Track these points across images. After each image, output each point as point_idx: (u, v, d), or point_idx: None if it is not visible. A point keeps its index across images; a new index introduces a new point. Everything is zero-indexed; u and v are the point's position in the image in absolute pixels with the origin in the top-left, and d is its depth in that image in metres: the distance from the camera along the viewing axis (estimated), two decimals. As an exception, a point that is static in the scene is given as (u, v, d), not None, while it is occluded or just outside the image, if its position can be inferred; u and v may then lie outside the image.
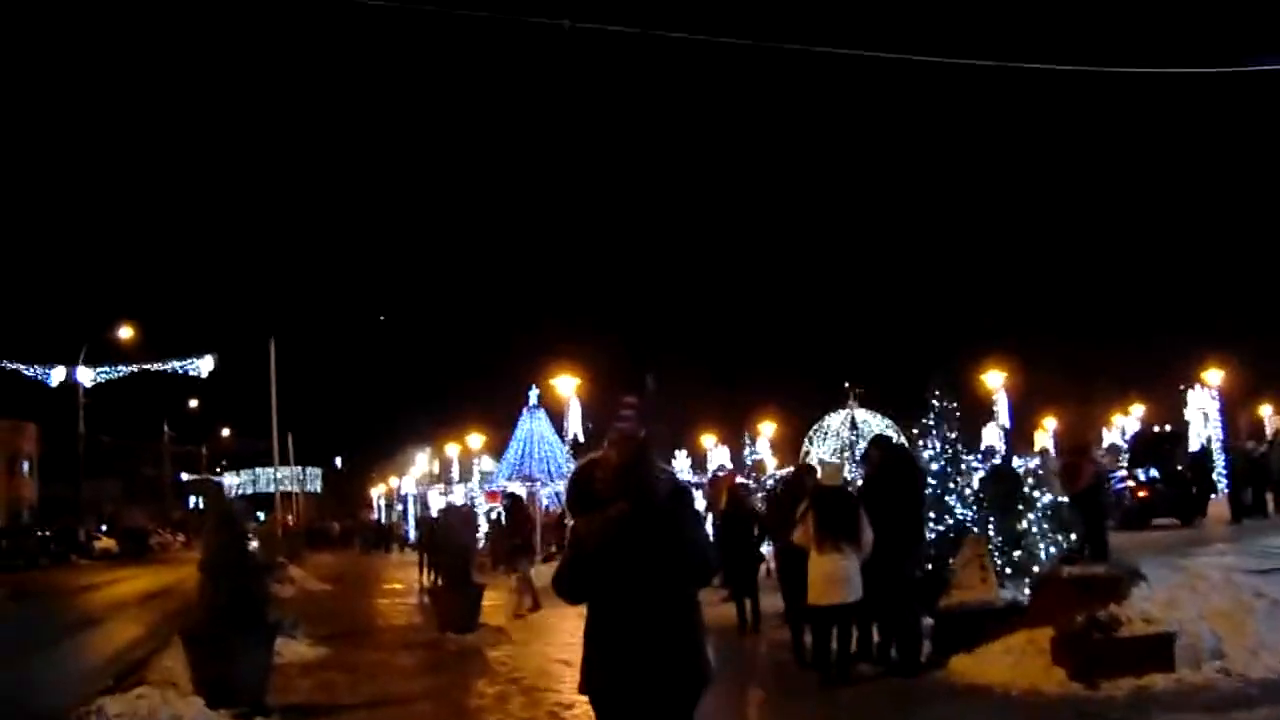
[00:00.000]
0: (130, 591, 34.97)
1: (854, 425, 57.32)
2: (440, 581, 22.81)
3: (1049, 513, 17.95)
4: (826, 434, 57.60)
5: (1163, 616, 12.18)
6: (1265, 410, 56.47)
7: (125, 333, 65.89)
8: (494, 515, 47.49)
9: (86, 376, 62.56)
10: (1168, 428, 49.12)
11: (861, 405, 57.44)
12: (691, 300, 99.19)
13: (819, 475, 14.09)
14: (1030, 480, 17.77)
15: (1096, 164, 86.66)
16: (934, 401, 18.69)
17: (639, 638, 5.90)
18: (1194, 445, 43.78)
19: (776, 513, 16.02)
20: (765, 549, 19.47)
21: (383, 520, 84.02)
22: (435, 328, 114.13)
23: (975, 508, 17.86)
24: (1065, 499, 19.11)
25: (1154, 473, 35.04)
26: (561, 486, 55.75)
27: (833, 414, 57.93)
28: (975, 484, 16.88)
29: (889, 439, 15.72)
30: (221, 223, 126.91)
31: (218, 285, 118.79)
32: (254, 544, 23.99)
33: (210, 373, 66.38)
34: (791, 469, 44.68)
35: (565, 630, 19.90)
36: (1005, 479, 17.79)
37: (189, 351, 63.98)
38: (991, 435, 57.33)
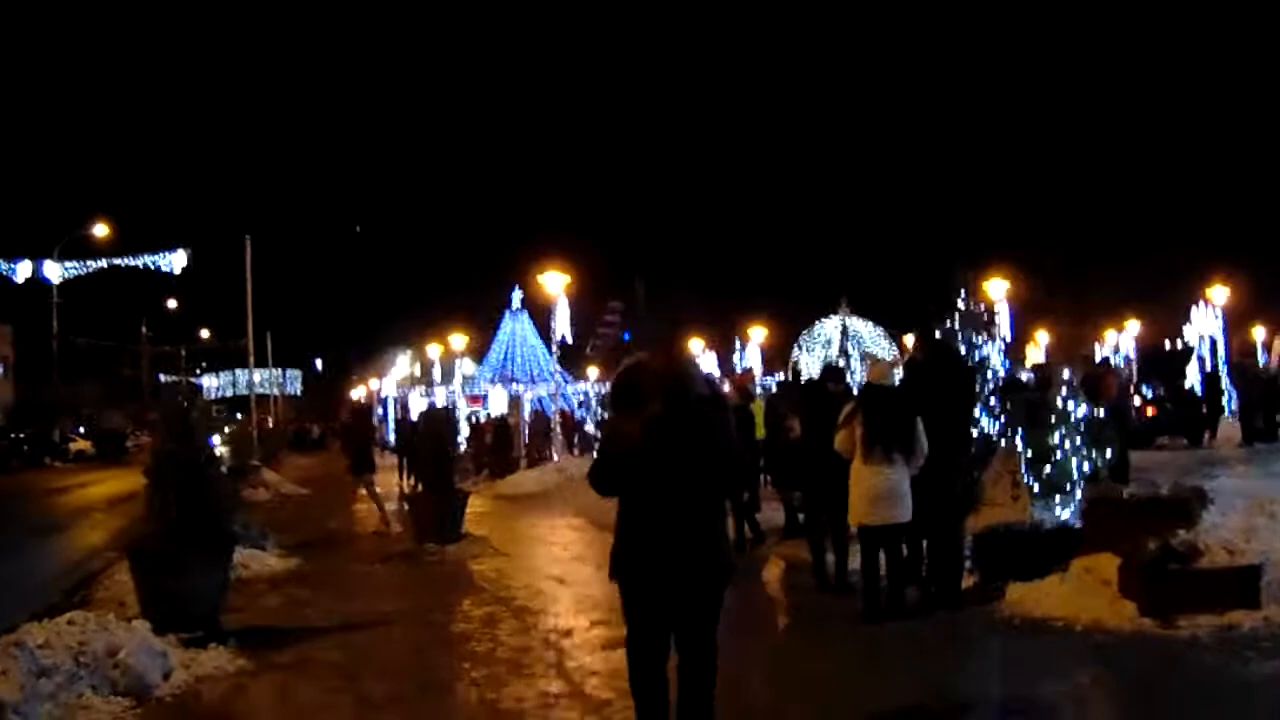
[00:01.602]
0: (100, 494, 33.40)
1: (845, 332, 56.22)
2: (420, 487, 21.33)
3: (1082, 427, 16.60)
4: (816, 340, 56.47)
5: (1245, 546, 10.71)
6: (1258, 332, 55.11)
7: (100, 230, 64.01)
8: (473, 419, 46.29)
9: (55, 272, 60.64)
10: (1178, 344, 47.74)
11: (853, 312, 56.29)
12: (680, 203, 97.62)
13: (870, 374, 12.37)
14: (1064, 391, 16.30)
15: (1100, 73, 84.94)
16: (959, 301, 17.22)
17: (668, 530, 6.31)
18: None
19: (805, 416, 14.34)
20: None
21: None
22: (418, 227, 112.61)
23: (1001, 419, 16.50)
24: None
25: (1160, 390, 33.69)
26: (545, 390, 54.74)
27: (823, 320, 56.75)
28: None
29: (933, 331, 13.99)
30: (198, 117, 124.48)
31: (194, 182, 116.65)
32: (221, 447, 22.77)
33: (185, 270, 64.63)
34: (786, 374, 43.85)
35: (555, 543, 18.51)
36: (1030, 389, 16.41)
37: (164, 249, 62.16)
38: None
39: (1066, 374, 18.68)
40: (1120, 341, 61.54)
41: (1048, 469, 14.96)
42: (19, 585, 15.34)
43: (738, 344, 55.19)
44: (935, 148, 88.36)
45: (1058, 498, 14.99)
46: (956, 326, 17.58)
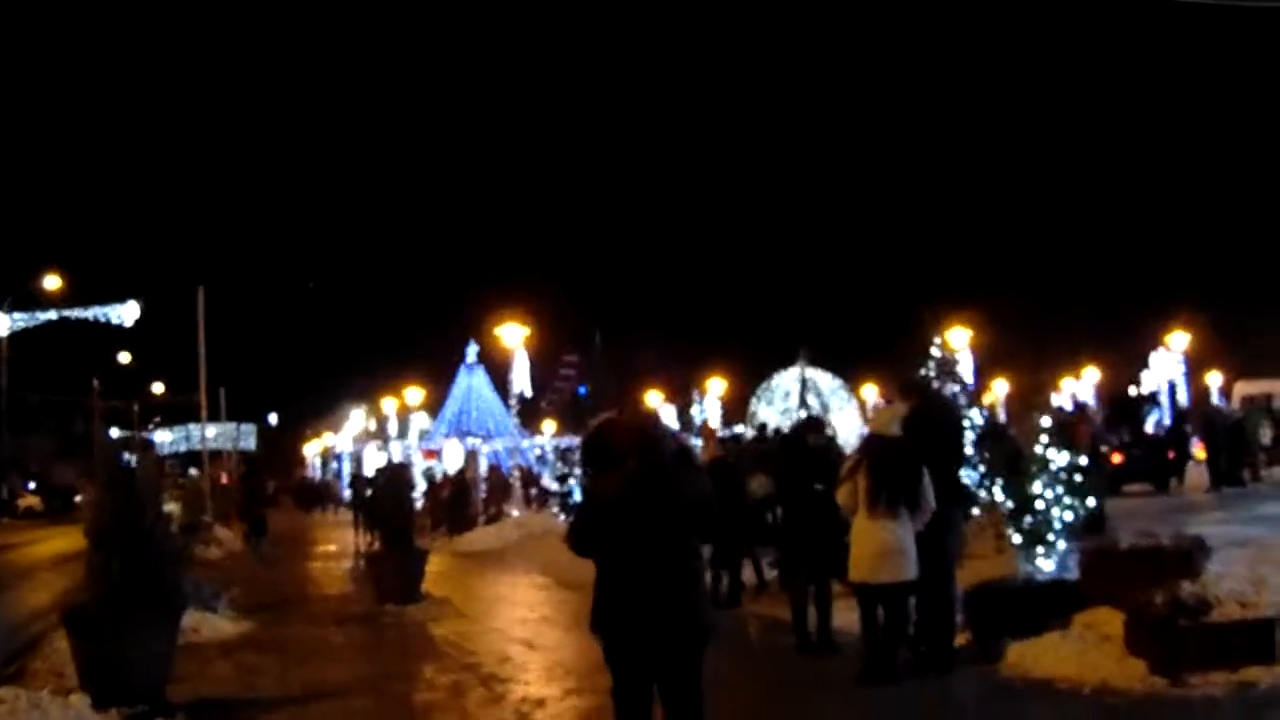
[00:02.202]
0: (47, 553, 32.30)
1: (805, 384, 55.76)
2: (378, 546, 20.58)
3: (1064, 475, 16.08)
4: (775, 393, 56.02)
5: (1256, 598, 10.12)
6: (1213, 377, 55.00)
7: (51, 282, 62.86)
8: (429, 474, 45.58)
9: (2, 324, 59.43)
10: (1141, 390, 47.49)
11: (811, 364, 55.87)
12: (636, 254, 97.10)
13: (872, 423, 11.64)
14: (1043, 439, 15.76)
15: (1056, 119, 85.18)
16: (933, 351, 16.76)
17: (647, 586, 6.33)
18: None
19: (781, 470, 13.69)
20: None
21: (318, 479, 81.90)
22: (372, 279, 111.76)
23: (979, 469, 16.00)
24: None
25: (1126, 436, 33.32)
26: (501, 445, 54.03)
27: (781, 372, 56.32)
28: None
29: (925, 381, 13.39)
30: (151, 168, 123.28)
31: (146, 235, 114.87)
32: (172, 504, 21.95)
33: (138, 322, 63.49)
34: (746, 428, 43.32)
35: (520, 603, 17.79)
36: (1009, 437, 15.92)
37: (115, 301, 61.02)
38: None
39: (1045, 421, 18.17)
40: (1077, 390, 61.30)
41: (1028, 519, 14.41)
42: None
43: (696, 396, 54.53)
44: (889, 198, 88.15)
45: (1040, 549, 14.46)
46: (931, 374, 17.08)
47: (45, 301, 61.68)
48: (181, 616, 11.35)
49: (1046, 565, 14.25)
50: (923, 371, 17.39)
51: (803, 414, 50.05)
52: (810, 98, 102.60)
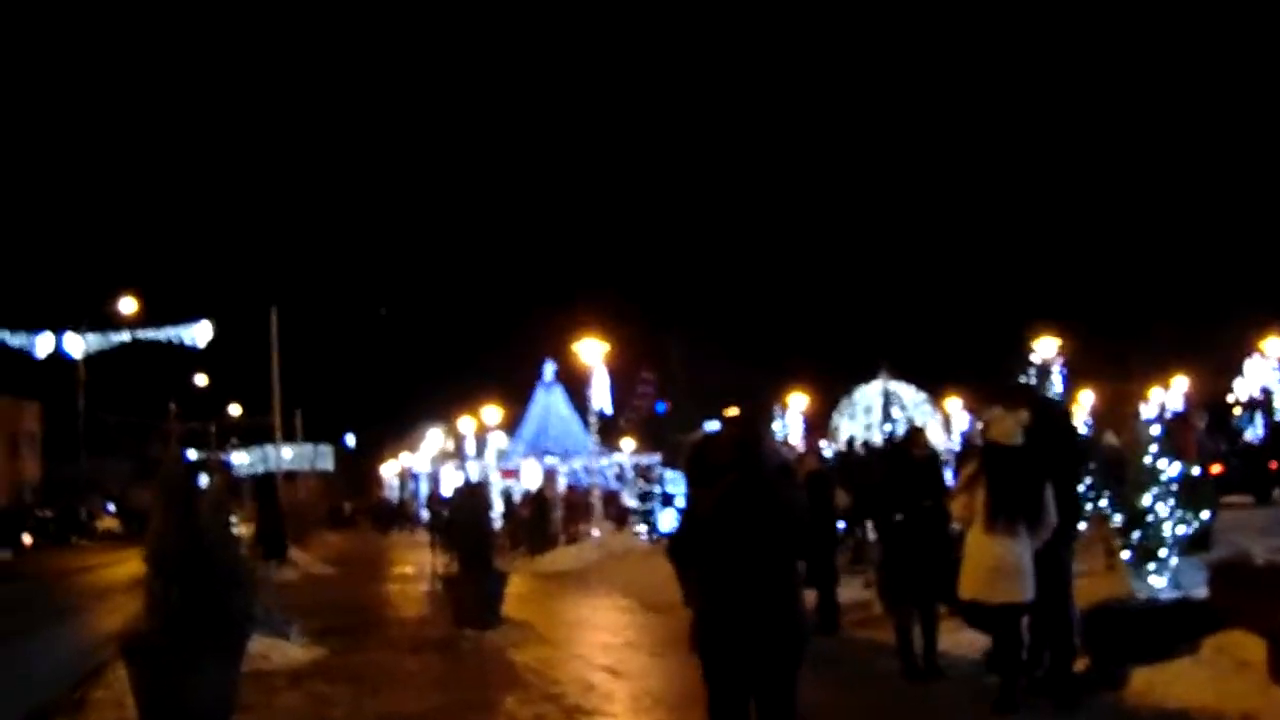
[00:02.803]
0: (123, 576, 31.77)
1: (888, 397, 54.85)
2: (456, 568, 19.89)
3: (1177, 487, 15.16)
4: (857, 406, 55.16)
5: None
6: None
7: (126, 305, 62.97)
8: (508, 494, 45.10)
9: (76, 346, 59.36)
10: (1239, 398, 46.05)
11: (893, 377, 54.90)
12: (716, 269, 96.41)
13: (991, 430, 10.69)
14: (1154, 449, 14.85)
15: (1137, 127, 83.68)
16: (1030, 360, 15.92)
17: (746, 600, 6.32)
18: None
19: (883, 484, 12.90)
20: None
21: (395, 499, 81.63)
22: (448, 298, 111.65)
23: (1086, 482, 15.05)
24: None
25: (1223, 446, 32.11)
26: (579, 464, 53.41)
27: (863, 386, 55.44)
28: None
29: (1037, 389, 12.50)
30: (224, 193, 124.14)
31: (220, 258, 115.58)
32: (243, 528, 21.39)
33: (213, 344, 63.44)
34: (829, 442, 42.47)
35: (603, 627, 17.04)
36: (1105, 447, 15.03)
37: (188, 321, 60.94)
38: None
39: (1156, 430, 17.25)
40: (1166, 399, 59.81)
41: (1137, 534, 13.54)
42: (20, 678, 14.01)
43: (778, 411, 53.63)
44: (970, 209, 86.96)
45: (1151, 565, 13.59)
46: (1033, 381, 16.29)
47: (120, 324, 61.78)
48: (246, 644, 10.64)
49: (1158, 582, 13.44)
50: (1023, 379, 16.54)
51: (887, 428, 49.31)
52: (892, 112, 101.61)
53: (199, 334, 59.62)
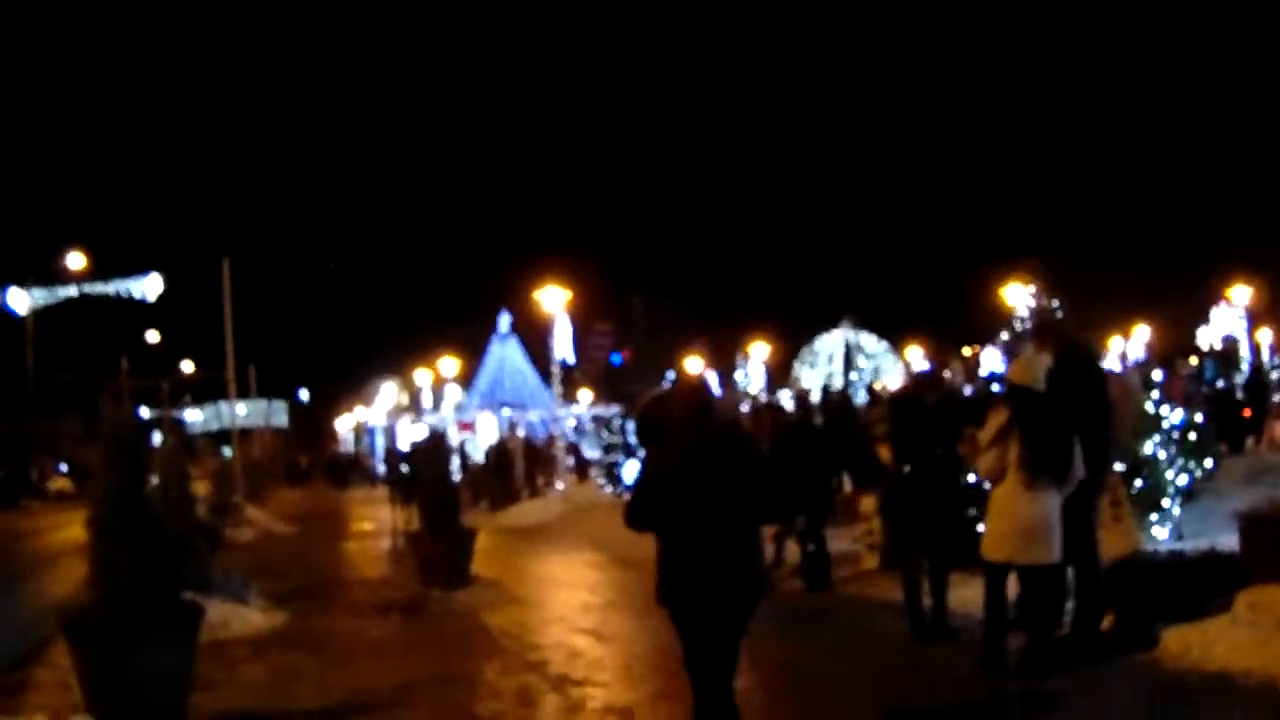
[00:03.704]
0: (75, 538, 30.64)
1: (848, 346, 54.34)
2: (418, 524, 19.03)
3: (1177, 433, 14.49)
4: (818, 355, 54.67)
5: None
6: (1263, 335, 53.05)
7: (75, 261, 61.58)
8: (462, 447, 44.40)
9: (21, 301, 58.03)
10: (1211, 345, 45.53)
11: (855, 326, 54.40)
12: (674, 217, 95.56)
13: (1014, 373, 9.72)
14: (1155, 393, 14.12)
15: (1096, 67, 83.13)
16: (1029, 299, 15.15)
17: (707, 555, 6.48)
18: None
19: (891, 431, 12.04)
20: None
21: (351, 454, 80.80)
22: (402, 250, 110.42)
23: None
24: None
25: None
26: (536, 415, 52.66)
27: (824, 335, 54.95)
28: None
29: (1062, 325, 11.55)
30: (173, 144, 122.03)
31: (170, 212, 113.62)
32: (200, 484, 20.44)
33: (164, 299, 62.33)
34: (790, 391, 41.78)
35: (578, 585, 16.21)
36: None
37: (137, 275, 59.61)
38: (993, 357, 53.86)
39: (1158, 375, 16.52)
40: (1128, 348, 59.41)
41: (1138, 483, 12.84)
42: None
43: (739, 360, 52.97)
44: (929, 157, 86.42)
45: (1154, 515, 12.94)
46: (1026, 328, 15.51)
47: (68, 279, 60.39)
48: (201, 618, 9.63)
49: (1160, 533, 12.86)
50: (1016, 325, 15.78)
51: (853, 377, 48.68)
52: (850, 57, 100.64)
53: (149, 287, 58.46)
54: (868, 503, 15.58)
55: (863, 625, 11.87)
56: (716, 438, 6.67)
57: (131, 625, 8.49)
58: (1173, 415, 14.24)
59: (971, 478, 11.13)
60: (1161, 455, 13.27)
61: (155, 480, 16.98)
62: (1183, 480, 14.03)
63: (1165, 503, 13.20)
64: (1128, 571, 10.23)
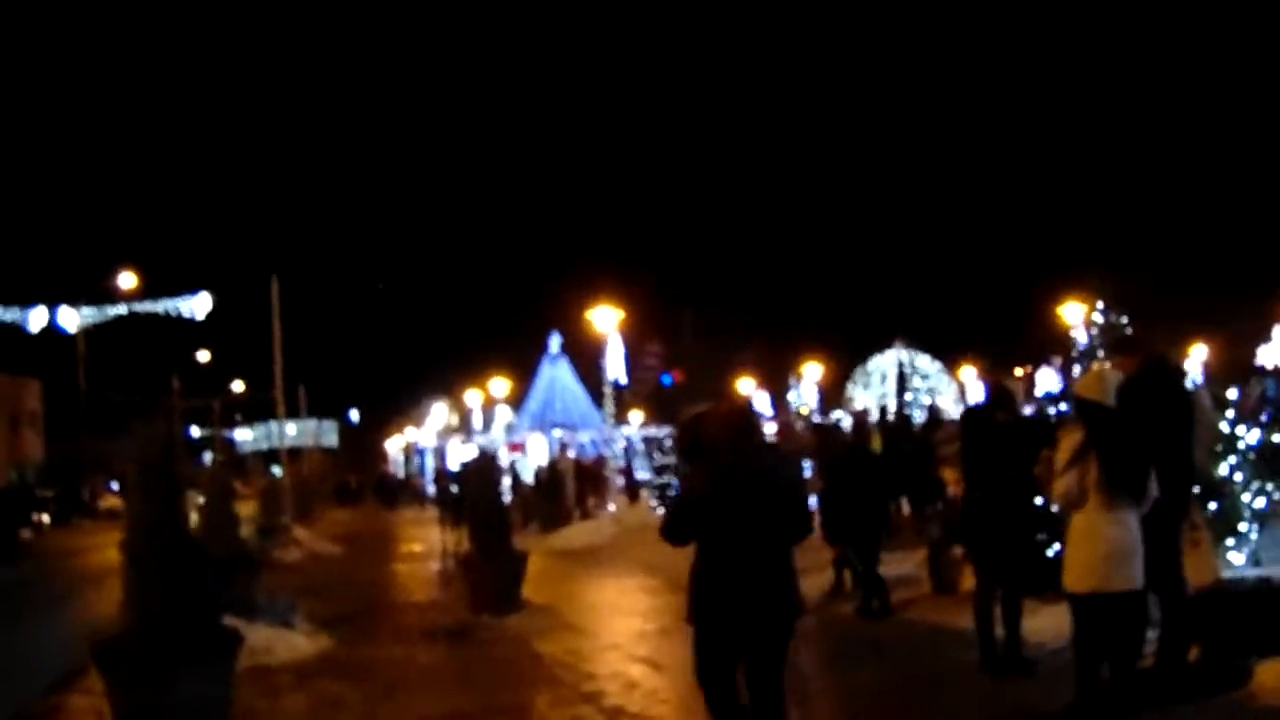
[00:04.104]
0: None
1: (902, 366, 53.82)
2: (468, 546, 18.58)
3: (1255, 454, 13.83)
4: (871, 376, 54.25)
5: None
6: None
7: (126, 281, 61.70)
8: (514, 468, 44.08)
9: (71, 320, 58.07)
10: (1276, 365, 44.64)
11: (908, 346, 53.90)
12: (728, 239, 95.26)
13: (1084, 388, 9.14)
14: (1231, 413, 13.50)
15: (1162, 84, 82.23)
16: (1096, 317, 14.65)
17: (741, 574, 6.51)
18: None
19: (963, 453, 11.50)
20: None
21: (400, 474, 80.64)
22: (454, 271, 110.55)
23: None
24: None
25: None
26: (587, 437, 52.30)
27: (877, 355, 54.49)
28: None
29: (1137, 340, 10.81)
30: (224, 168, 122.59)
31: (220, 232, 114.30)
32: (246, 506, 20.10)
33: (215, 319, 62.46)
34: (845, 412, 41.24)
35: (633, 612, 15.69)
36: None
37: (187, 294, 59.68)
38: (1049, 377, 53.09)
39: (1233, 394, 15.90)
40: (1187, 367, 58.37)
41: (1213, 506, 12.23)
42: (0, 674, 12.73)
43: (792, 381, 52.42)
44: (982, 173, 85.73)
45: (1230, 540, 12.33)
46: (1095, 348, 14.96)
47: (119, 299, 60.49)
48: (238, 648, 9.21)
49: (1236, 559, 12.24)
50: (1082, 342, 15.22)
51: (908, 398, 48.11)
52: (908, 80, 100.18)
53: (198, 306, 58.47)
54: (934, 527, 15.11)
55: (928, 656, 11.32)
56: (756, 459, 6.75)
57: (164, 654, 8.09)
58: (1249, 435, 13.65)
59: (1041, 500, 10.56)
60: (1238, 477, 12.68)
61: (200, 501, 16.79)
62: (1260, 503, 13.43)
63: (1242, 527, 12.61)
64: (1213, 600, 9.66)
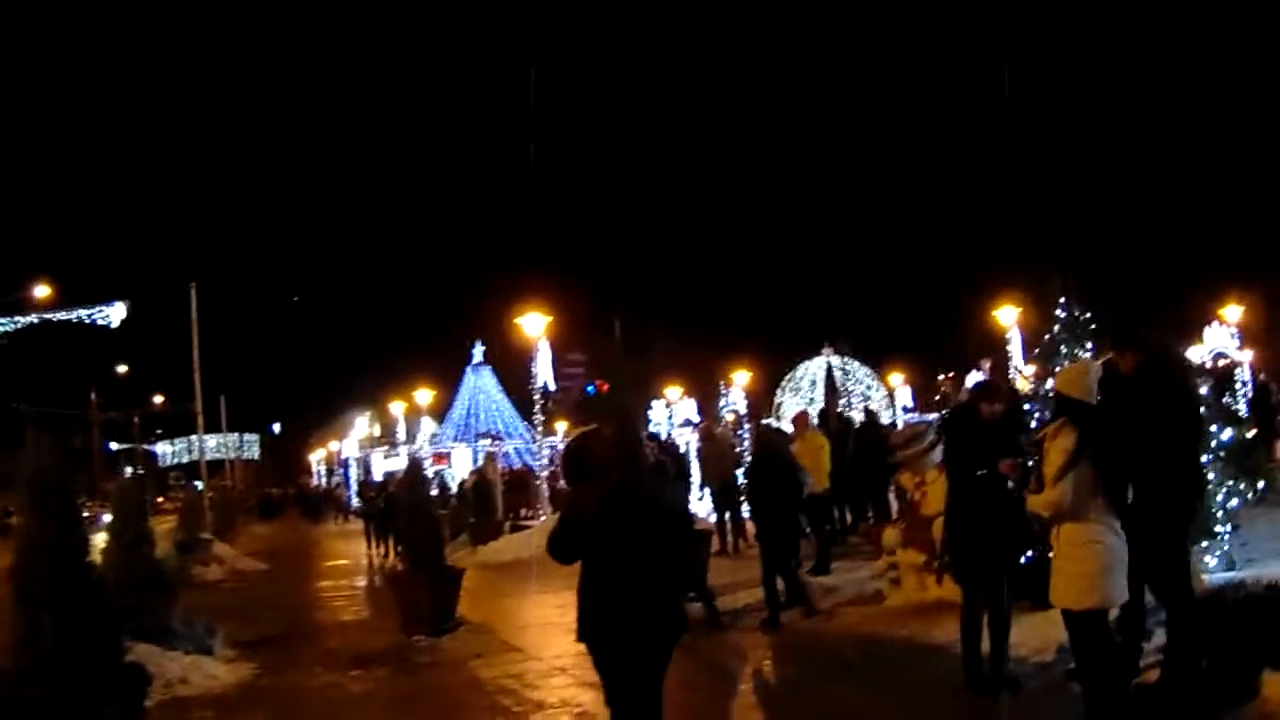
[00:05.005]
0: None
1: (831, 372, 53.41)
2: (394, 559, 17.60)
3: (1228, 452, 13.16)
4: (801, 382, 53.84)
5: None
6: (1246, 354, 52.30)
7: (41, 291, 59.95)
8: (441, 478, 43.23)
9: (-20, 330, 56.26)
10: (1219, 362, 44.48)
11: (838, 353, 53.52)
12: (653, 244, 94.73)
13: (1066, 384, 8.34)
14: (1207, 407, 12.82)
15: (1085, 78, 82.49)
16: (1058, 309, 14.00)
17: (629, 591, 6.52)
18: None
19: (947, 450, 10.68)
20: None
21: (324, 487, 79.61)
22: (376, 281, 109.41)
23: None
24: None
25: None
26: (510, 447, 51.49)
27: (807, 362, 54.08)
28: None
29: (1141, 334, 9.93)
30: (143, 178, 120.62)
31: (136, 242, 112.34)
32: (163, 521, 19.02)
33: (135, 331, 60.71)
34: (774, 418, 40.51)
35: (573, 629, 14.72)
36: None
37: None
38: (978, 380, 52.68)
39: (1203, 389, 15.24)
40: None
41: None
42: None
43: (722, 388, 51.84)
44: (912, 177, 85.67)
45: (1204, 542, 11.71)
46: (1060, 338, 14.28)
47: (33, 309, 58.82)
48: (148, 686, 8.18)
49: (1209, 561, 11.69)
50: (1047, 336, 14.55)
51: (844, 401, 47.53)
52: (829, 91, 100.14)
53: (113, 314, 56.76)
54: (890, 535, 14.41)
55: (901, 671, 10.56)
56: (640, 478, 6.78)
57: (58, 698, 7.04)
58: (1222, 432, 12.98)
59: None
60: (1211, 475, 11.99)
61: (108, 519, 15.75)
62: (1233, 503, 12.78)
63: (1218, 528, 12.00)
64: (1217, 607, 8.92)
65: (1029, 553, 10.07)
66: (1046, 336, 14.16)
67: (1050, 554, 8.18)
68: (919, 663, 10.68)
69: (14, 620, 7.42)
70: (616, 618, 6.56)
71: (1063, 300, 14.12)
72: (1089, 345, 13.63)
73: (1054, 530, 7.90)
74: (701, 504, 24.97)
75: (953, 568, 9.94)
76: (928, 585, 13.41)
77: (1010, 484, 9.06)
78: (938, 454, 13.08)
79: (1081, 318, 13.93)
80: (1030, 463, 8.72)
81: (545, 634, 14.45)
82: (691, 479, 25.60)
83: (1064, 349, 13.86)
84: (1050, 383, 13.94)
